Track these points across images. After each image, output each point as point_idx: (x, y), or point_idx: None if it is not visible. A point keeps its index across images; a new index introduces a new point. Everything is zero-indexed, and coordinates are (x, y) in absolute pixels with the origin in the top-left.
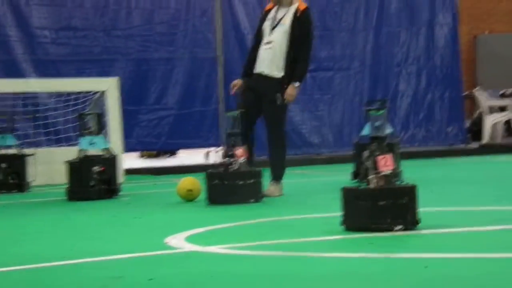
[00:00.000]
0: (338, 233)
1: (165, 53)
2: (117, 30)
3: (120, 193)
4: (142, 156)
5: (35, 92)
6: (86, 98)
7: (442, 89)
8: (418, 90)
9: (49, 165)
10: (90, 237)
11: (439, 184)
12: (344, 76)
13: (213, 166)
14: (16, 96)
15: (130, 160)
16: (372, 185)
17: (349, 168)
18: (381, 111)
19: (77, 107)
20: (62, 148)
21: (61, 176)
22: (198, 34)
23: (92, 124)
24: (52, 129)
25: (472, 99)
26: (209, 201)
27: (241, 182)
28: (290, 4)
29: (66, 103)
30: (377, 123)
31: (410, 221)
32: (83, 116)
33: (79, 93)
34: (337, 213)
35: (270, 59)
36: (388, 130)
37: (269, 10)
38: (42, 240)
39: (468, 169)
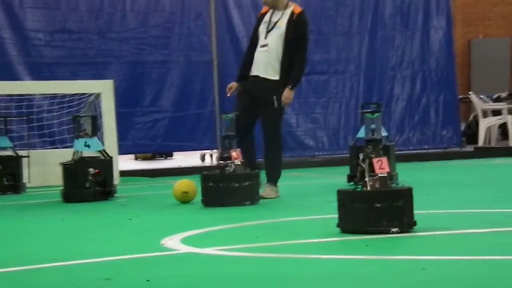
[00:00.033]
0: (334, 235)
1: (160, 56)
2: (112, 32)
3: (116, 195)
4: (137, 158)
5: (29, 94)
6: (80, 100)
7: (437, 92)
8: (413, 93)
9: (44, 167)
10: (86, 239)
11: (434, 186)
12: (339, 80)
13: (208, 168)
14: (10, 98)
15: (125, 162)
16: (368, 188)
17: (344, 170)
18: (376, 114)
19: (72, 109)
20: (57, 150)
21: (56, 178)
22: (193, 37)
23: (87, 126)
24: (46, 131)
25: (467, 103)
26: (204, 203)
27: (236, 185)
28: (286, 7)
29: (61, 105)
30: (372, 126)
31: (406, 223)
32: (78, 118)
33: (74, 95)
34: (333, 215)
35: (266, 62)
36: (383, 133)
37: (265, 13)
38: (36, 242)
39: (463, 172)
